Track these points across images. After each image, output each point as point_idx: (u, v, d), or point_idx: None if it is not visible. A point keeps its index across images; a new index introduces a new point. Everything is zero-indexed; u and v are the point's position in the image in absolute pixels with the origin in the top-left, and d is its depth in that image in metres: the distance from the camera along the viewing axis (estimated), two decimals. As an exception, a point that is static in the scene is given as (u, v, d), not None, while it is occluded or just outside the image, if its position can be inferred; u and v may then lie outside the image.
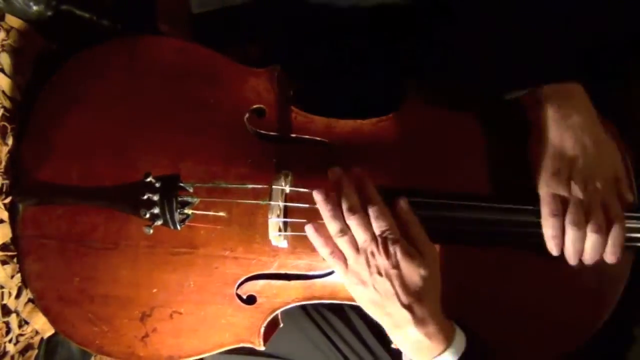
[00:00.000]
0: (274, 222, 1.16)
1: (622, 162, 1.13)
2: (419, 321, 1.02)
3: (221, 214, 1.21)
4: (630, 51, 1.28)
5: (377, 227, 1.04)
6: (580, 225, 1.07)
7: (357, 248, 1.05)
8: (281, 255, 1.24)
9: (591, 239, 1.07)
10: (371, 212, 1.05)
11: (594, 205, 1.08)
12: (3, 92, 1.27)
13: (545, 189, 1.11)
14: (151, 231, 1.17)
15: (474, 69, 1.23)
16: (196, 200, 1.19)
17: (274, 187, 1.16)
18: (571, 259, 1.10)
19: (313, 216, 1.14)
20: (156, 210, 1.16)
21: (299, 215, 1.18)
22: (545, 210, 1.10)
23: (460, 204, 1.16)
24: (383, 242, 1.03)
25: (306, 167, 1.24)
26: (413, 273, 1.02)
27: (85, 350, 1.33)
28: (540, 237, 1.12)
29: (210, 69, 1.29)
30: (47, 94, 1.30)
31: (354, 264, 1.05)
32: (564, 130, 1.11)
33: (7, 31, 1.29)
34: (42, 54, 1.36)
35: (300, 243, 1.22)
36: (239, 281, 1.24)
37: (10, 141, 1.27)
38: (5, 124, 1.26)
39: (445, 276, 1.10)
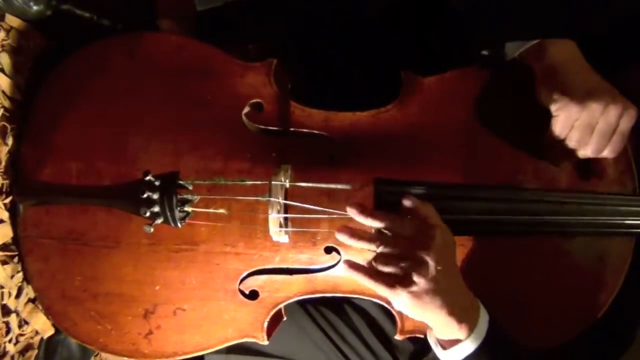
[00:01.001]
0: (274, 217, 1.14)
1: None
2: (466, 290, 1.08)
3: (221, 211, 1.19)
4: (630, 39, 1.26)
5: (409, 230, 1.06)
6: (582, 143, 1.11)
7: (401, 268, 1.03)
8: (282, 250, 1.22)
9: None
10: (394, 227, 1.07)
11: (602, 128, 1.10)
12: (3, 92, 1.25)
13: (564, 113, 1.11)
14: (152, 230, 1.14)
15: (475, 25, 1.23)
16: (196, 197, 1.17)
17: (273, 182, 1.14)
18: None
19: (313, 211, 1.14)
20: (156, 209, 1.13)
21: (300, 210, 1.17)
22: (557, 127, 1.12)
23: (463, 195, 1.16)
24: (421, 241, 1.03)
25: (306, 161, 1.21)
26: (453, 248, 1.09)
27: (86, 350, 1.32)
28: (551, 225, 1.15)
29: (208, 64, 1.26)
30: (45, 92, 1.28)
31: (409, 281, 1.02)
32: (575, 68, 1.12)
33: (7, 31, 1.27)
34: (42, 54, 1.34)
35: (302, 237, 1.21)
36: (241, 276, 1.22)
37: (10, 141, 1.25)
38: (5, 124, 1.24)
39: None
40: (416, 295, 1.01)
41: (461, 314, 1.03)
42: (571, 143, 1.12)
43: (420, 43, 1.33)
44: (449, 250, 1.06)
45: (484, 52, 1.20)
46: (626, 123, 1.09)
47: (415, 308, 1.02)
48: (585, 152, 1.12)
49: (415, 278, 1.00)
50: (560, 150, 1.15)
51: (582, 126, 1.10)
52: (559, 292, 1.18)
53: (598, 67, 1.13)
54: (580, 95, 1.09)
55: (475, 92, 1.22)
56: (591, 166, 1.18)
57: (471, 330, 1.03)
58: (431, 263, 1.01)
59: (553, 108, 1.12)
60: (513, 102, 1.22)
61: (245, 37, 1.44)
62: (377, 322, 1.38)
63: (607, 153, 1.11)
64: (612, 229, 1.17)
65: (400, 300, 1.03)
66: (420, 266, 1.01)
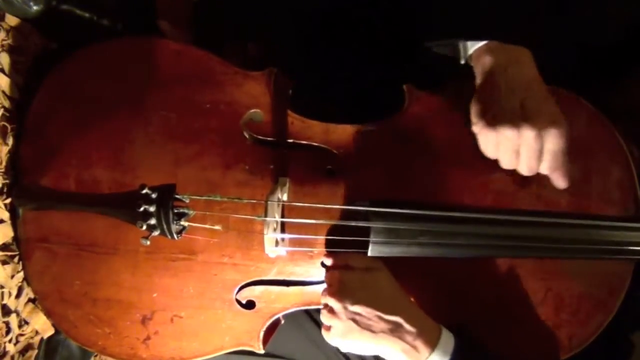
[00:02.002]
0: (270, 237, 1.12)
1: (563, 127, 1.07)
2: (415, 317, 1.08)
3: (217, 227, 1.16)
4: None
5: (326, 281, 1.15)
6: (513, 165, 1.09)
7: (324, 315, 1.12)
8: (279, 262, 1.20)
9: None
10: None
11: (526, 151, 1.07)
12: (3, 92, 1.23)
13: (481, 137, 1.10)
14: (148, 242, 1.12)
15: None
16: (192, 212, 1.14)
17: (269, 202, 1.11)
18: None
19: (310, 229, 1.14)
20: (153, 221, 1.11)
21: (296, 229, 1.17)
22: (483, 150, 1.12)
23: (462, 217, 1.14)
24: (330, 288, 1.12)
25: (304, 174, 1.20)
26: (381, 284, 1.11)
27: (86, 351, 1.31)
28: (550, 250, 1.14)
29: (206, 72, 1.23)
30: (42, 94, 1.25)
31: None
32: (506, 81, 1.08)
33: (7, 31, 1.24)
34: (42, 54, 1.31)
35: (298, 251, 1.19)
36: (238, 287, 1.21)
37: (10, 141, 1.23)
38: (5, 124, 1.22)
39: (441, 284, 1.16)
40: (339, 335, 1.09)
41: (407, 343, 1.05)
42: (504, 165, 1.10)
43: (421, 56, 1.29)
44: (369, 289, 1.09)
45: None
46: (551, 142, 1.05)
47: (345, 345, 1.11)
48: (522, 172, 1.09)
49: (330, 322, 1.10)
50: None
51: (505, 150, 1.07)
52: (557, 311, 1.17)
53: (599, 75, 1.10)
54: (490, 120, 1.06)
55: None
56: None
57: (428, 353, 1.05)
58: (338, 306, 1.08)
59: (475, 131, 1.10)
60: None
61: (245, 36, 1.40)
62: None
63: (544, 171, 1.08)
64: (614, 255, 1.15)
65: (331, 342, 1.12)
66: (332, 312, 1.10)
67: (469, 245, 1.13)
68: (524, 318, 1.17)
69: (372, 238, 1.12)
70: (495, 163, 1.15)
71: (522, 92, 1.06)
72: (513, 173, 1.13)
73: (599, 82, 1.15)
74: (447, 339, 1.06)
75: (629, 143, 1.15)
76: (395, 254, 1.14)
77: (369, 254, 1.13)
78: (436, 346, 1.05)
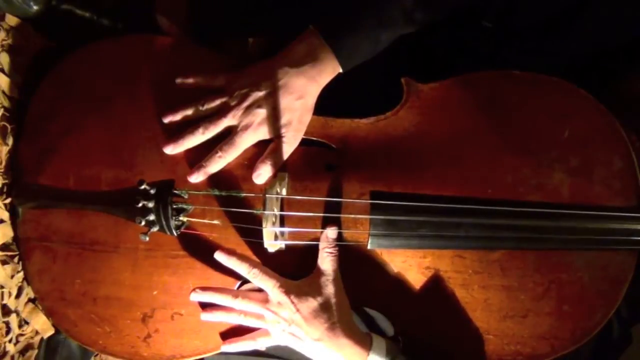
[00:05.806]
0: (269, 230, 1.09)
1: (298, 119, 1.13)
2: (334, 345, 1.08)
3: (216, 222, 1.14)
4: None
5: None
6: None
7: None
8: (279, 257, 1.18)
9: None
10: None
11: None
12: (3, 91, 1.21)
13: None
14: (147, 239, 1.10)
15: None
16: (191, 207, 1.12)
17: (267, 195, 1.08)
18: None
19: (309, 222, 1.12)
20: (152, 217, 1.09)
21: (295, 221, 1.14)
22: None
23: (462, 208, 1.11)
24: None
25: (303, 168, 1.17)
26: (310, 308, 1.09)
27: (86, 350, 1.29)
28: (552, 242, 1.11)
29: (206, 69, 1.20)
30: (41, 93, 1.23)
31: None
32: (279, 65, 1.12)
33: (7, 31, 1.22)
34: (42, 54, 1.29)
35: (297, 245, 1.16)
36: (239, 283, 1.19)
37: (10, 141, 1.21)
38: (5, 124, 1.20)
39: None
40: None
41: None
42: None
43: (421, 48, 1.26)
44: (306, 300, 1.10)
45: None
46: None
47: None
48: None
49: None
50: None
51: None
52: (560, 304, 1.13)
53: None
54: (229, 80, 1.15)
55: (477, 100, 1.16)
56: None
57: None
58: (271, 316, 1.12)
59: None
60: (514, 112, 1.16)
61: (245, 31, 1.38)
62: (374, 321, 1.33)
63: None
64: (616, 246, 1.12)
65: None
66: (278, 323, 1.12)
67: (470, 237, 1.10)
68: (526, 312, 1.14)
69: (371, 231, 1.09)
70: (494, 155, 1.13)
71: (267, 86, 1.11)
72: (513, 165, 1.12)
73: (600, 76, 1.12)
74: (380, 345, 1.09)
75: (630, 133, 1.13)
76: (396, 247, 1.11)
77: (369, 247, 1.11)
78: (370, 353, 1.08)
